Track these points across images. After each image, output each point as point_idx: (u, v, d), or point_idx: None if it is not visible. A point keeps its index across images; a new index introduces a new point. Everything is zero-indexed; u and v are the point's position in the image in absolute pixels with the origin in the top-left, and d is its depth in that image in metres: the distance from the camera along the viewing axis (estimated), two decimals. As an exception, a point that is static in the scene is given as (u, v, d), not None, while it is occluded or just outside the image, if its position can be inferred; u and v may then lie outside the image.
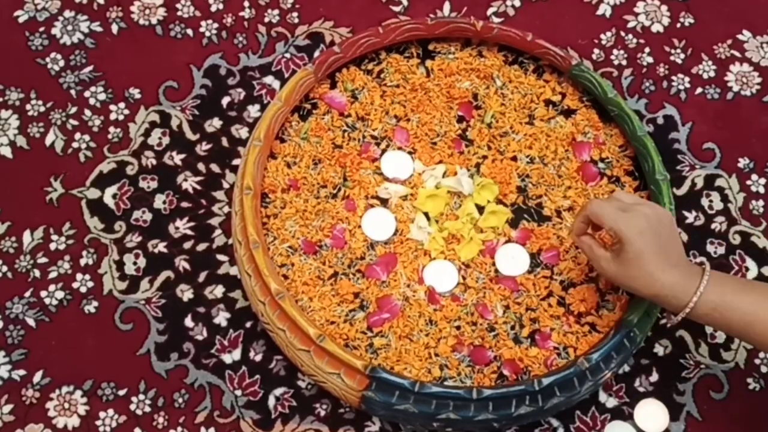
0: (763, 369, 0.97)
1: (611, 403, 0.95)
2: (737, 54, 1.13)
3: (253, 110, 1.07)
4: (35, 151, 1.05)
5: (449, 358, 0.89)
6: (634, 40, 1.13)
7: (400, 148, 0.98)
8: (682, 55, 1.13)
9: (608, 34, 1.14)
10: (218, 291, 0.99)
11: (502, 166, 0.97)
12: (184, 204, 1.03)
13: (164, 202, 1.03)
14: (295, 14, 1.13)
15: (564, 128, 1.00)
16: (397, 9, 1.14)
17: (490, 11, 1.14)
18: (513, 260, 0.93)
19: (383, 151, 0.98)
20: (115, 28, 1.11)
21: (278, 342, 0.89)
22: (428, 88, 1.01)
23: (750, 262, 1.02)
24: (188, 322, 0.97)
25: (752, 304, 0.79)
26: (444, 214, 0.95)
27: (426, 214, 0.95)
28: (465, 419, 0.84)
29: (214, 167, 1.04)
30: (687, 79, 1.11)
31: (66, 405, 0.94)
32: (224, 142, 1.06)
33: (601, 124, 1.01)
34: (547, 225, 0.96)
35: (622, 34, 1.14)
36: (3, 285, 0.99)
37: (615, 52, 1.12)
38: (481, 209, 0.96)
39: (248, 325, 0.98)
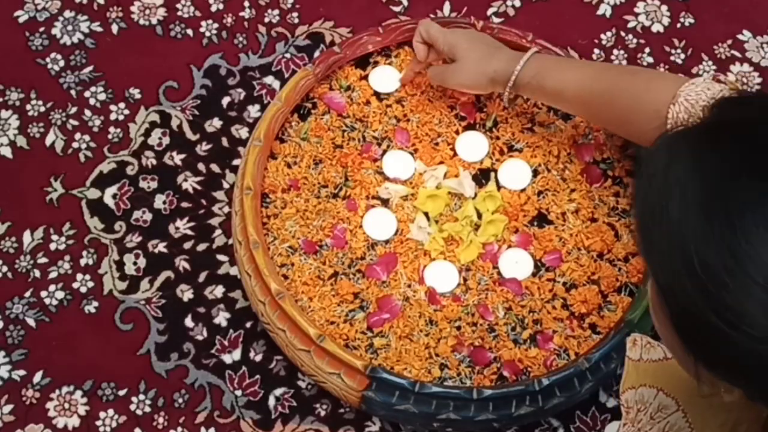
0: (763, 369, 0.97)
1: (611, 403, 0.95)
2: (737, 54, 1.13)
3: (253, 110, 1.07)
4: (35, 151, 1.05)
5: (449, 359, 0.89)
6: (635, 40, 1.13)
7: (401, 149, 0.98)
8: (682, 55, 1.13)
9: (608, 34, 1.14)
10: (218, 291, 0.99)
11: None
12: (184, 204, 1.03)
13: (164, 202, 1.03)
14: (295, 14, 1.13)
15: (564, 132, 1.00)
16: (397, 9, 1.14)
17: (490, 11, 1.14)
18: (517, 264, 0.93)
19: (384, 151, 0.98)
20: (115, 28, 1.11)
21: (278, 342, 0.89)
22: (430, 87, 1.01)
23: (750, 263, 1.01)
24: (188, 322, 0.97)
25: (565, 73, 0.89)
26: (443, 214, 0.95)
27: (426, 214, 0.95)
28: (465, 419, 0.84)
29: (214, 167, 1.04)
30: (687, 79, 1.11)
31: (66, 405, 0.94)
32: (224, 142, 1.05)
33: (601, 125, 1.00)
34: (548, 228, 0.95)
35: (623, 34, 1.14)
36: (3, 285, 0.99)
37: (615, 52, 1.12)
38: (479, 213, 0.96)
39: (248, 325, 0.97)
